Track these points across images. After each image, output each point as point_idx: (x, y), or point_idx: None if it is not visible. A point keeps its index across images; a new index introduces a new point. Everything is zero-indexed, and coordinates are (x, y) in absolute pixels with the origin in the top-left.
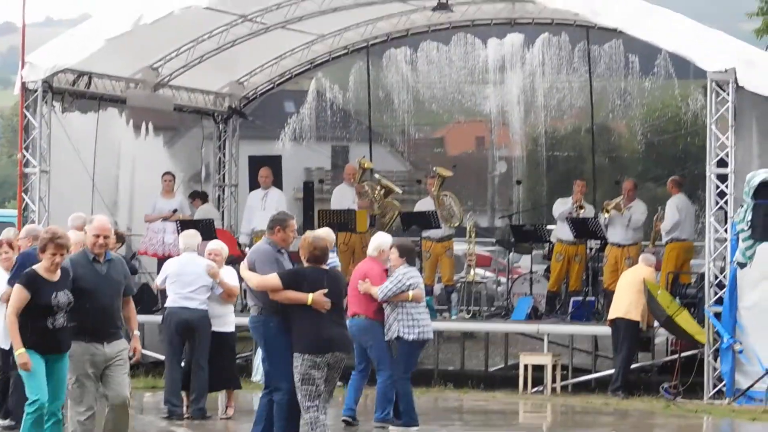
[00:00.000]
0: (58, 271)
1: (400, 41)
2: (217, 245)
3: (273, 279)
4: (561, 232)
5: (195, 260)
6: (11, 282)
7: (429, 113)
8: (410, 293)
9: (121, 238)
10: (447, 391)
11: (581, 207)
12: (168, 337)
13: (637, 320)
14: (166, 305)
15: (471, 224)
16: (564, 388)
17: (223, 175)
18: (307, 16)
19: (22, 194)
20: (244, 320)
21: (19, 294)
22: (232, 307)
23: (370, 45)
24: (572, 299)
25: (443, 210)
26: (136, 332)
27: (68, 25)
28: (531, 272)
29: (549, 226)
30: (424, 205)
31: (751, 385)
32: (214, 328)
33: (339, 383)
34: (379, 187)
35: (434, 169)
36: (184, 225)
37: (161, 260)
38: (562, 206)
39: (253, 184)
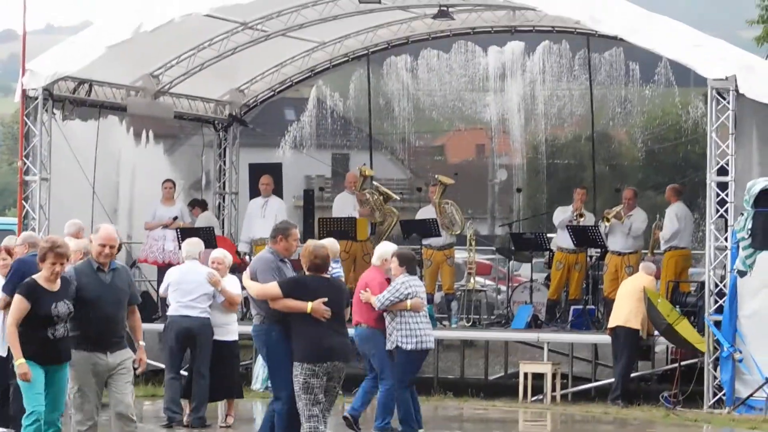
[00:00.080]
0: (59, 281)
1: (401, 49)
2: (220, 254)
3: (273, 287)
4: (561, 240)
5: (196, 268)
6: (6, 289)
7: (429, 121)
8: (408, 302)
9: (118, 246)
10: (447, 399)
11: (581, 215)
12: (169, 346)
13: (637, 329)
14: (167, 314)
15: (471, 232)
16: (564, 396)
17: (224, 182)
18: (307, 24)
19: (23, 202)
20: (245, 329)
21: (19, 304)
22: (235, 316)
23: (370, 52)
24: (572, 307)
25: (444, 218)
26: (142, 342)
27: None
28: (531, 280)
29: (549, 234)
30: (426, 213)
31: (751, 394)
32: (217, 337)
33: (340, 392)
34: (377, 194)
35: (436, 177)
36: (185, 233)
37: (161, 268)
38: (562, 214)
39: (254, 192)
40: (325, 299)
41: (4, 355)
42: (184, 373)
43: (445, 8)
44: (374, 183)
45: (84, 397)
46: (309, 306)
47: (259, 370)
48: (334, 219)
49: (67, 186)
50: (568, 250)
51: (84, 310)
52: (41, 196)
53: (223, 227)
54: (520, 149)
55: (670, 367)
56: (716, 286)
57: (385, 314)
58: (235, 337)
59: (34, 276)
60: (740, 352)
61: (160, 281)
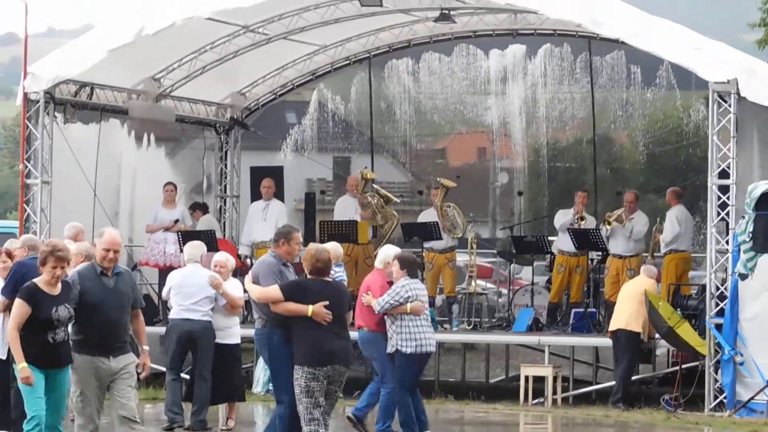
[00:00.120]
0: (59, 285)
1: (402, 52)
2: (222, 257)
3: (274, 290)
4: (562, 243)
5: (198, 272)
6: (4, 292)
7: (431, 124)
8: (408, 306)
9: None
10: (448, 402)
11: (582, 218)
12: (170, 349)
13: (638, 332)
14: (169, 317)
15: (472, 235)
16: (565, 399)
17: (225, 186)
18: (309, 27)
19: (24, 205)
20: (247, 332)
21: (20, 308)
22: (237, 319)
23: (372, 56)
24: (573, 311)
25: (446, 221)
26: (146, 347)
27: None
28: (532, 283)
29: (550, 238)
30: (428, 216)
31: (752, 397)
32: (219, 340)
33: (341, 396)
34: (378, 197)
35: (438, 180)
36: (186, 236)
37: (162, 271)
38: (563, 217)
39: (255, 195)
40: (326, 302)
41: (4, 357)
42: (186, 376)
43: (446, 11)
44: (374, 186)
45: (85, 401)
46: (310, 309)
47: (260, 373)
48: (335, 222)
49: (68, 189)
50: (569, 253)
51: (87, 315)
52: (42, 199)
53: (224, 230)
54: (522, 152)
55: (671, 370)
56: (717, 289)
57: (385, 317)
58: (237, 340)
59: (34, 280)
60: (741, 355)
61: (161, 284)
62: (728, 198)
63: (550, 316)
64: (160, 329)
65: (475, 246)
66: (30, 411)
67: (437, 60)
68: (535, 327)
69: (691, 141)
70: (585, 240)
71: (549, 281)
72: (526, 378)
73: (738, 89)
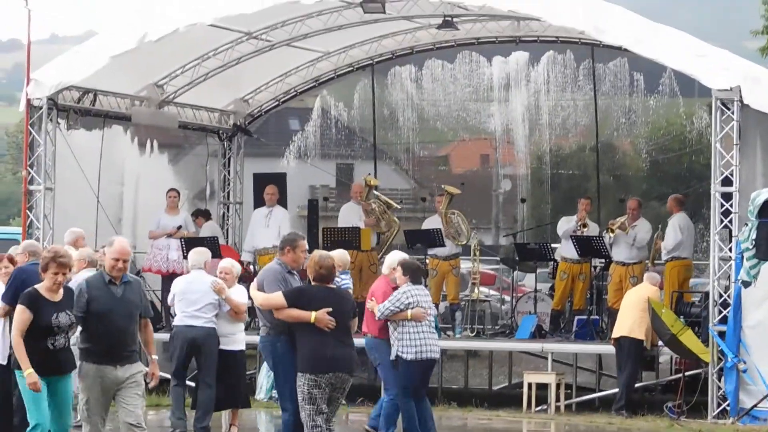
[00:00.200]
0: (61, 291)
1: (405, 59)
2: (228, 263)
3: (277, 297)
4: (565, 250)
5: (202, 278)
6: (5, 297)
7: (434, 131)
8: (409, 312)
9: None
10: (451, 409)
11: (584, 225)
12: (174, 356)
13: (641, 339)
14: (173, 323)
15: (475, 242)
16: (568, 406)
17: (228, 192)
18: (312, 34)
19: (27, 211)
20: (252, 339)
21: (22, 315)
22: (242, 326)
23: (375, 62)
24: (576, 318)
25: (450, 228)
26: (155, 356)
27: (73, 42)
28: (535, 290)
29: (553, 245)
30: (432, 223)
31: (755, 405)
32: (223, 347)
33: (343, 403)
34: (378, 204)
35: (442, 187)
36: (189, 242)
37: (165, 277)
38: (566, 224)
39: (258, 202)
40: (330, 309)
41: (4, 363)
42: (191, 383)
43: (449, 18)
44: (374, 192)
45: (91, 409)
46: (312, 316)
47: (263, 380)
48: (338, 229)
49: (71, 195)
50: (572, 261)
51: (94, 323)
52: (45, 205)
53: (227, 237)
54: (525, 159)
55: (674, 377)
56: (720, 296)
57: (388, 324)
58: (242, 347)
59: (36, 286)
60: (744, 363)
61: (164, 290)
62: (731, 205)
63: (553, 323)
64: (164, 336)
65: (478, 253)
66: (32, 419)
67: (440, 67)
68: (538, 334)
69: (694, 148)
70: (588, 247)
71: (552, 288)
72: (529, 385)
73: (741, 97)
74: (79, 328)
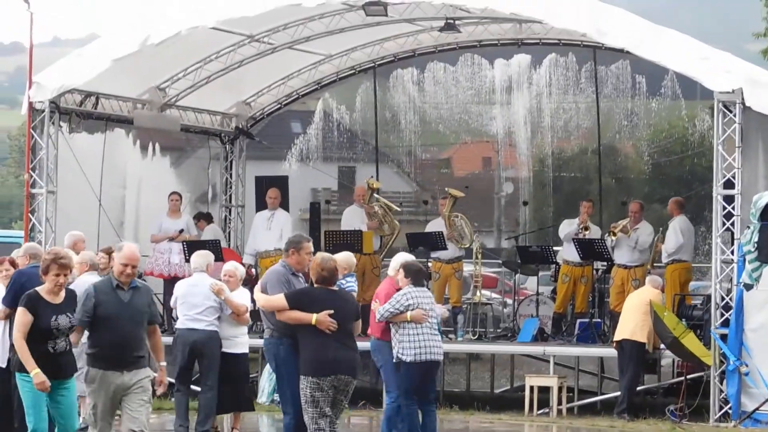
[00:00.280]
0: (62, 293)
1: (407, 61)
2: (231, 266)
3: (279, 299)
4: (567, 253)
5: (203, 281)
6: (5, 300)
7: (436, 134)
8: (408, 314)
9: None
10: (453, 412)
11: (586, 228)
12: (177, 360)
13: (643, 342)
14: (175, 327)
15: (477, 245)
16: (570, 410)
17: (230, 195)
18: (314, 37)
19: (29, 215)
20: (255, 342)
21: (23, 317)
22: (245, 329)
23: (377, 65)
24: (578, 321)
25: (453, 231)
26: (163, 363)
27: (76, 45)
28: (537, 293)
29: (555, 248)
30: (435, 226)
31: (757, 408)
32: (226, 349)
33: (346, 406)
34: (380, 207)
35: (446, 190)
36: (191, 245)
37: (167, 281)
38: (567, 227)
39: (260, 205)
40: (331, 311)
41: (4, 366)
42: (196, 388)
43: (451, 21)
44: (375, 195)
45: (97, 414)
46: (314, 318)
47: (265, 383)
48: (340, 232)
49: (73, 199)
50: (574, 263)
51: (100, 328)
52: (47, 209)
53: (229, 240)
54: (527, 162)
55: (676, 380)
56: (722, 299)
57: (390, 325)
58: (245, 350)
59: (36, 288)
60: (746, 366)
61: (166, 294)
62: (733, 208)
63: (555, 326)
64: (166, 339)
65: (480, 256)
66: (31, 424)
67: (442, 69)
68: (540, 337)
69: (696, 151)
70: (590, 250)
71: (554, 291)
72: (531, 388)
73: (743, 99)
74: (86, 333)
